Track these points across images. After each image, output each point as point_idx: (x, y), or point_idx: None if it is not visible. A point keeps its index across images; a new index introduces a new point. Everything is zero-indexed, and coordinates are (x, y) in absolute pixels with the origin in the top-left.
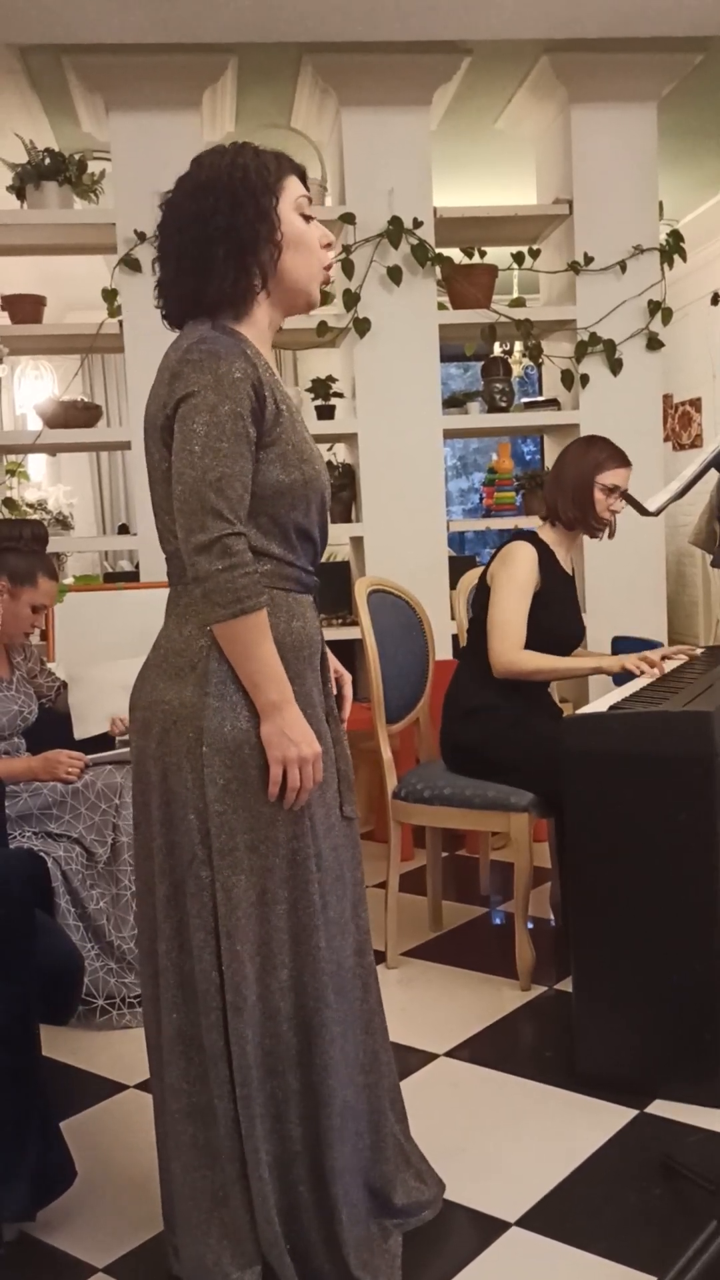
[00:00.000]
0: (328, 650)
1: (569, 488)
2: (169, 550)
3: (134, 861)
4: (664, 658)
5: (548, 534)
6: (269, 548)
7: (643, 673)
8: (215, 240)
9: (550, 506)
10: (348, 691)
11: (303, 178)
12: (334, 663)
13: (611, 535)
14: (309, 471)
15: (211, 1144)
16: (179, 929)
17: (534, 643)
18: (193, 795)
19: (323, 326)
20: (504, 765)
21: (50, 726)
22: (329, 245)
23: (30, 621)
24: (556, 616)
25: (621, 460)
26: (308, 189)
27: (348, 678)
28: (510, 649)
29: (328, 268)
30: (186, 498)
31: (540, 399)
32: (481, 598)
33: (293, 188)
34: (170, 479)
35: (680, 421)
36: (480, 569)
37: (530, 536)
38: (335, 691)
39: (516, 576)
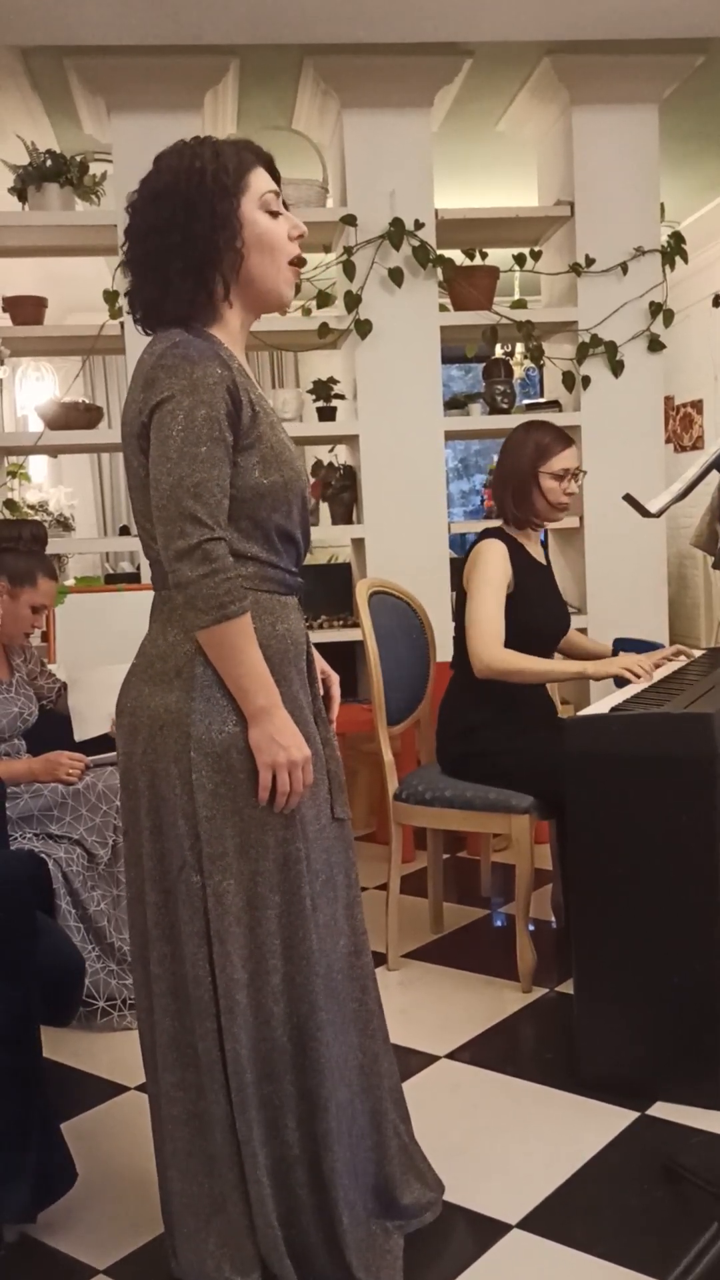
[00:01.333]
0: (314, 651)
1: (512, 484)
2: (151, 556)
3: (125, 867)
4: (657, 665)
5: (511, 528)
6: (251, 550)
7: (638, 677)
8: (172, 254)
9: (499, 506)
10: (335, 692)
11: (269, 166)
12: (321, 663)
13: (569, 511)
14: (288, 473)
15: (208, 1150)
16: (170, 935)
17: (519, 640)
18: (181, 800)
19: (324, 328)
20: (504, 774)
21: (51, 728)
22: (300, 236)
23: (30, 622)
24: (538, 610)
25: (565, 440)
26: (276, 177)
27: (335, 678)
28: (488, 646)
29: (295, 261)
30: (164, 504)
31: (542, 400)
32: (461, 604)
33: (257, 183)
34: (148, 486)
35: (681, 423)
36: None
37: (497, 532)
38: (322, 692)
39: (489, 574)
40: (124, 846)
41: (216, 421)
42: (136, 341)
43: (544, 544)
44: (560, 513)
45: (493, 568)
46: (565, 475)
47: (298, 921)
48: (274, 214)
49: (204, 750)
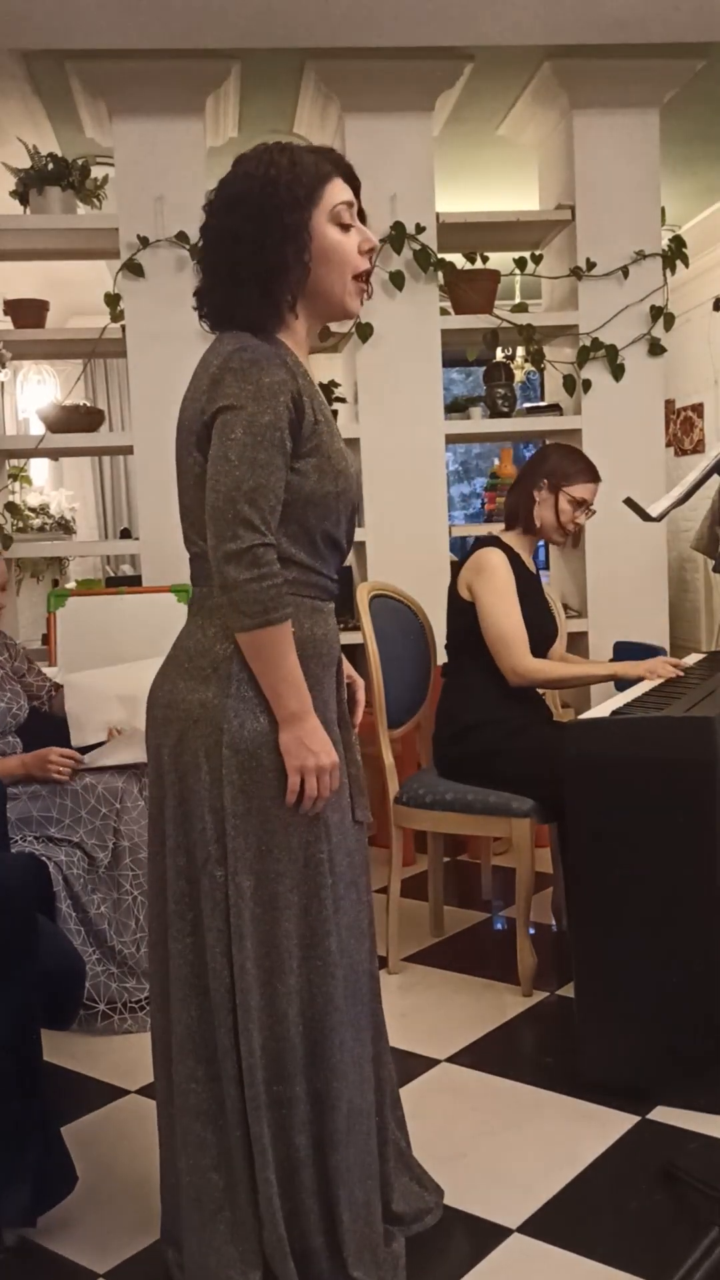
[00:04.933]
0: (342, 655)
1: (533, 492)
2: (193, 551)
3: (147, 860)
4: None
5: (510, 538)
6: (296, 555)
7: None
8: (241, 262)
9: (512, 509)
10: (360, 696)
11: (349, 175)
12: (347, 668)
13: (575, 544)
14: (343, 483)
15: (220, 1143)
16: (193, 928)
17: None
18: (210, 795)
19: (325, 331)
20: (501, 776)
21: (50, 731)
22: (370, 249)
23: None
24: (531, 618)
25: (594, 475)
26: (356, 185)
27: (360, 683)
28: (521, 657)
29: (360, 276)
30: (220, 506)
31: (542, 404)
32: (456, 609)
33: (331, 195)
34: (202, 483)
35: (682, 427)
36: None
37: (494, 541)
38: (347, 696)
39: (500, 584)
40: (147, 838)
41: (278, 428)
42: (137, 345)
43: (543, 547)
44: (562, 537)
45: (500, 578)
46: (581, 505)
47: (316, 923)
48: (345, 226)
49: (236, 747)
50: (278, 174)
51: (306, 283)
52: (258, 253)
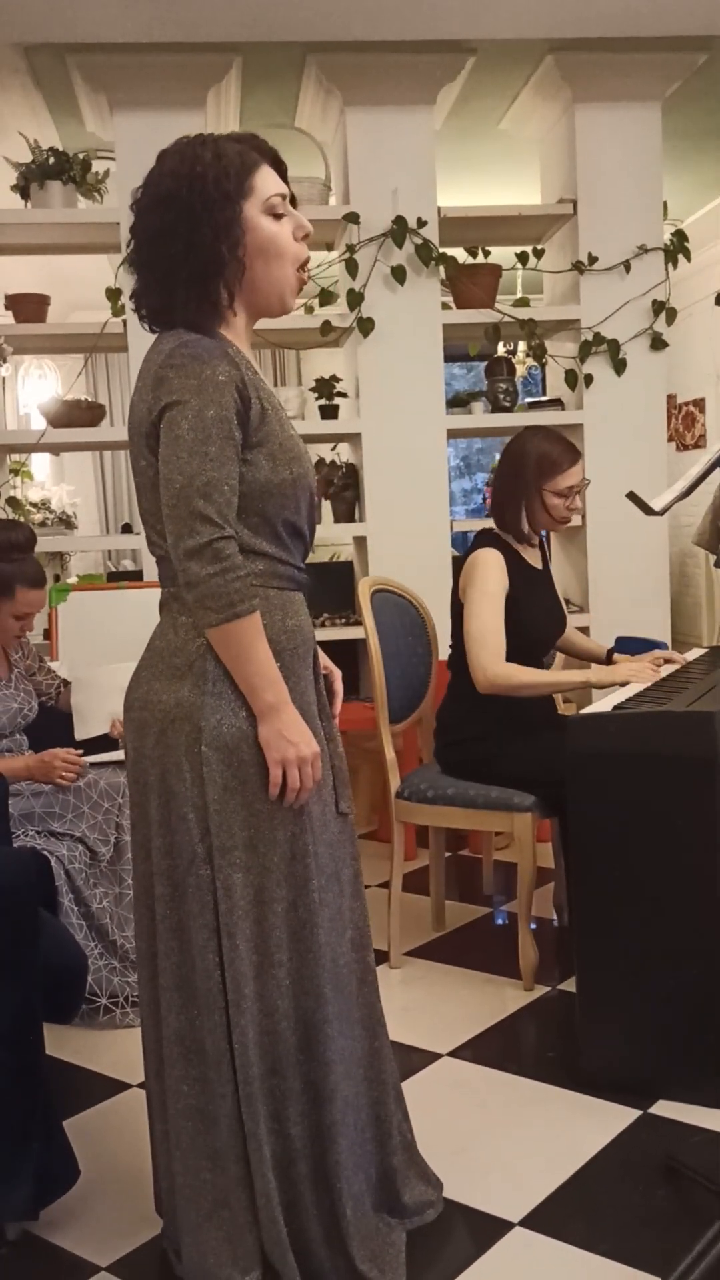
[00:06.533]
0: (317, 647)
1: (513, 494)
2: (158, 554)
3: (132, 862)
4: (659, 664)
5: (508, 535)
6: (261, 546)
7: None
8: (176, 262)
9: (497, 512)
10: (338, 687)
11: (275, 161)
12: (323, 659)
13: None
14: (298, 470)
15: (213, 1144)
16: (179, 929)
17: (515, 645)
18: (192, 794)
19: (326, 326)
20: (505, 778)
21: (54, 725)
22: (305, 236)
23: (19, 628)
24: (534, 615)
25: (572, 456)
26: (283, 170)
27: (337, 674)
28: (491, 661)
29: (302, 265)
30: (174, 503)
31: (544, 399)
32: (456, 614)
33: (261, 185)
34: (157, 486)
35: (684, 422)
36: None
37: (492, 539)
38: (325, 688)
39: (487, 586)
40: (131, 841)
41: (226, 420)
42: (139, 339)
43: (545, 542)
44: (562, 525)
45: (490, 580)
46: (570, 492)
47: (305, 916)
48: (279, 215)
49: (215, 745)
50: (203, 170)
51: (244, 278)
52: (191, 251)
